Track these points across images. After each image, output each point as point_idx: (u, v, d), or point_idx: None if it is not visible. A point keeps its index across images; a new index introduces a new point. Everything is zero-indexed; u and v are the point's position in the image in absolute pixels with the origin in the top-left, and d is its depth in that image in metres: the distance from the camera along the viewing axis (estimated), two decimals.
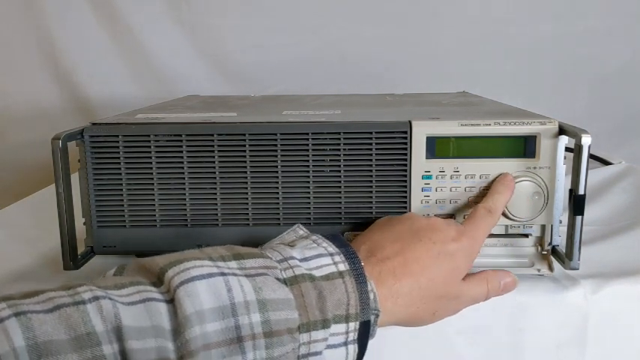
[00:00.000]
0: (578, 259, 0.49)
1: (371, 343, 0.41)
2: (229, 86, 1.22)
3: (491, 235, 0.53)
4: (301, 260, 0.40)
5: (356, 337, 0.39)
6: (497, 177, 0.51)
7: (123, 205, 0.52)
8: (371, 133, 0.51)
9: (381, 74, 1.22)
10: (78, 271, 0.51)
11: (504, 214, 0.51)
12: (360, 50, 1.22)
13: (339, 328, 0.39)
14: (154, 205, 0.52)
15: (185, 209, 0.52)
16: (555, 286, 0.51)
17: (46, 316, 0.32)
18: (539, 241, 0.53)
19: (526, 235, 0.53)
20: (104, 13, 1.20)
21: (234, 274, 0.37)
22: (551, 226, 0.52)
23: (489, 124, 0.51)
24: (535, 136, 0.51)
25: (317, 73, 1.23)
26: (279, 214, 0.52)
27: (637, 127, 1.25)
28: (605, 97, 1.23)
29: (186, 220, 0.53)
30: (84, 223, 0.53)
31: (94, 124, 0.52)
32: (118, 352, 0.32)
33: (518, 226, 0.53)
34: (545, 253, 0.53)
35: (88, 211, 0.52)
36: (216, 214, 0.52)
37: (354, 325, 0.39)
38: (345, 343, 0.39)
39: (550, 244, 0.53)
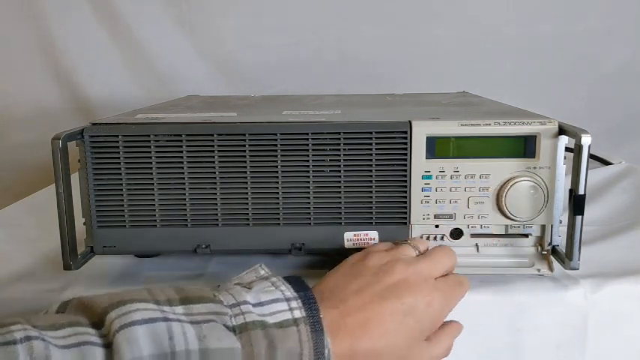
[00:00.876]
0: (578, 259, 0.49)
1: None
2: (229, 86, 1.22)
3: (492, 236, 0.53)
4: (255, 305, 0.39)
5: None
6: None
7: (123, 205, 0.52)
8: (371, 133, 0.51)
9: (381, 74, 1.22)
10: (78, 271, 0.51)
11: (504, 214, 0.51)
12: (360, 50, 1.22)
13: None
14: (153, 205, 0.52)
15: (185, 209, 0.52)
16: (555, 286, 0.51)
17: None
18: (539, 241, 0.53)
19: (526, 235, 0.53)
20: (104, 13, 1.20)
21: (179, 320, 0.36)
22: (551, 226, 0.52)
23: (489, 124, 0.51)
24: (535, 136, 0.51)
25: (317, 73, 1.23)
26: (279, 214, 0.52)
27: (637, 127, 1.25)
28: (605, 97, 1.23)
29: (186, 220, 0.53)
30: (84, 223, 0.53)
31: (94, 124, 0.52)
32: None
33: (518, 226, 0.53)
34: (545, 253, 0.53)
35: (88, 211, 0.52)
36: (216, 214, 0.52)
37: None
38: None
39: (550, 244, 0.53)
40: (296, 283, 0.41)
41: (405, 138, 0.51)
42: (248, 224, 0.53)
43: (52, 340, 0.33)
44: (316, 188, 0.52)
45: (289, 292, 0.40)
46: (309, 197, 0.52)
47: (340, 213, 0.52)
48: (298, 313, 0.39)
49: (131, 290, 0.38)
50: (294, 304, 0.39)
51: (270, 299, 0.39)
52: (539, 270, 0.52)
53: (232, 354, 0.35)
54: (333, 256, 0.50)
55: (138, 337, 0.34)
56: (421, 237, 0.53)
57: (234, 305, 0.38)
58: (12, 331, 0.32)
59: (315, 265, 0.56)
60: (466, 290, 0.47)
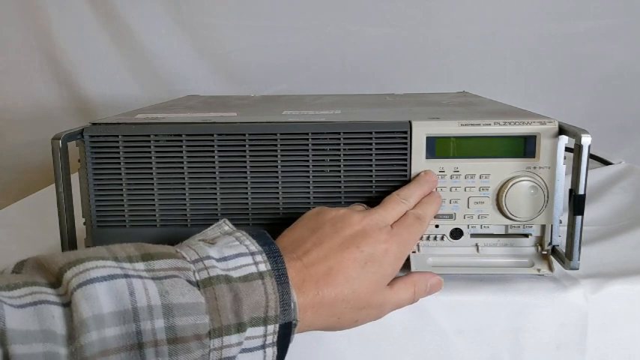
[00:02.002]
0: (578, 259, 0.49)
1: (369, 341, 0.41)
2: (229, 86, 1.23)
3: (492, 236, 0.53)
4: (219, 260, 0.38)
5: (275, 340, 0.38)
6: (423, 178, 0.51)
7: (123, 205, 0.52)
8: (371, 133, 0.51)
9: (381, 74, 1.22)
10: None
11: (504, 214, 0.51)
12: (360, 50, 1.22)
13: (256, 331, 0.37)
14: (153, 205, 0.52)
15: (185, 209, 0.52)
16: (555, 286, 0.51)
17: None
18: (539, 241, 0.53)
19: (526, 235, 0.53)
20: (104, 13, 1.20)
21: (140, 277, 0.35)
22: (551, 226, 0.52)
23: (489, 124, 0.51)
24: (535, 136, 0.51)
25: (317, 73, 1.23)
26: (279, 214, 0.52)
27: (637, 127, 1.25)
28: (606, 97, 1.23)
29: (186, 220, 0.53)
30: (84, 223, 0.53)
31: (94, 124, 0.52)
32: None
33: (518, 226, 0.53)
34: (545, 253, 0.53)
35: (88, 211, 0.52)
36: (216, 214, 0.52)
37: (272, 328, 0.38)
38: (263, 346, 0.38)
39: (550, 244, 0.53)
40: (260, 237, 0.41)
41: (405, 138, 0.51)
42: (248, 224, 0.53)
43: (7, 300, 0.32)
44: (316, 188, 0.52)
45: (253, 246, 0.40)
46: (309, 197, 0.52)
47: None
48: (263, 267, 0.39)
49: (89, 249, 0.37)
50: (258, 257, 0.39)
51: (235, 254, 0.39)
52: (539, 270, 0.52)
53: (197, 308, 0.35)
54: None
55: (97, 294, 0.33)
56: (421, 238, 0.53)
57: (197, 260, 0.38)
58: None
59: None
60: (426, 225, 0.49)
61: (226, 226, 0.44)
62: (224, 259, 0.39)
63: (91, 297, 0.33)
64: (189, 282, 0.36)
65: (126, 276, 0.34)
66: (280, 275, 0.39)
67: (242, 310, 0.37)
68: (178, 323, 0.34)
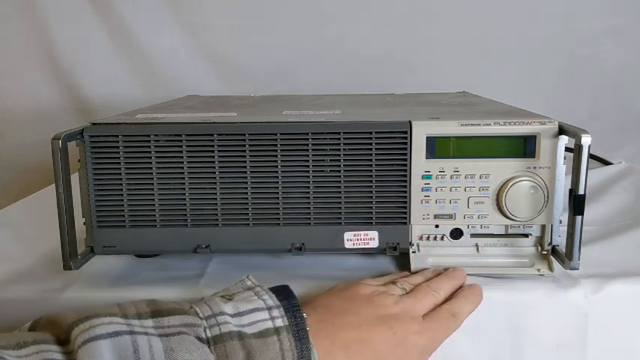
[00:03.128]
0: (578, 259, 0.49)
1: None
2: (229, 86, 1.22)
3: (492, 236, 0.53)
4: (233, 315, 0.37)
5: None
6: (466, 285, 0.50)
7: (123, 205, 0.52)
8: (371, 133, 0.51)
9: (381, 74, 1.22)
10: (78, 271, 0.51)
11: (504, 214, 0.51)
12: (361, 50, 1.22)
13: None
14: (153, 205, 0.52)
15: (185, 209, 0.52)
16: (555, 286, 0.51)
17: None
18: (539, 241, 0.53)
19: (526, 235, 0.53)
20: (104, 14, 1.20)
21: (146, 333, 0.35)
22: (551, 226, 0.52)
23: (489, 124, 0.51)
24: (535, 136, 0.51)
25: (317, 73, 1.23)
26: (279, 214, 0.52)
27: (637, 127, 1.25)
28: (605, 97, 1.23)
29: (186, 220, 0.53)
30: (84, 223, 0.53)
31: (94, 124, 0.52)
32: None
33: (518, 226, 0.53)
34: (545, 253, 0.53)
35: (88, 211, 0.52)
36: (216, 214, 0.52)
37: None
38: None
39: (550, 244, 0.53)
40: (281, 292, 0.40)
41: (405, 138, 0.51)
42: (248, 224, 0.53)
43: (13, 359, 0.32)
44: (316, 188, 0.52)
45: (271, 300, 0.39)
46: (309, 197, 0.52)
47: (340, 213, 0.52)
48: (280, 322, 0.38)
49: (102, 306, 0.37)
50: (275, 312, 0.38)
51: (250, 308, 0.38)
52: (539, 270, 0.52)
53: None
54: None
55: (101, 351, 0.33)
56: (420, 236, 0.53)
57: (210, 317, 0.37)
58: None
59: (316, 265, 0.56)
60: (459, 323, 0.47)
61: (249, 281, 0.43)
62: (239, 314, 0.38)
63: (94, 354, 0.32)
64: (199, 339, 0.36)
65: (131, 333, 0.34)
66: (299, 330, 0.37)
67: None
68: None
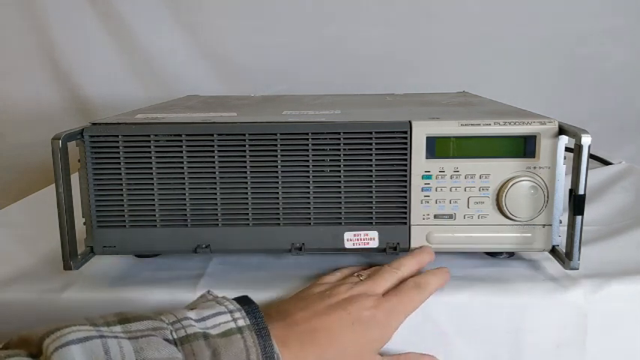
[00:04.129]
0: (578, 259, 0.49)
1: None
2: (229, 86, 1.22)
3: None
4: (197, 320, 0.39)
5: None
6: (418, 250, 0.52)
7: (123, 205, 0.52)
8: (371, 133, 0.51)
9: (381, 74, 1.22)
10: (78, 271, 0.51)
11: (504, 214, 0.51)
12: (361, 50, 1.22)
13: None
14: (153, 205, 0.52)
15: (185, 209, 0.52)
16: (555, 286, 0.51)
17: None
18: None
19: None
20: (104, 14, 1.20)
21: (115, 337, 0.36)
22: (551, 226, 0.52)
23: (489, 124, 0.51)
24: (535, 136, 0.51)
25: (317, 73, 1.23)
26: (279, 214, 0.52)
27: (637, 127, 1.25)
28: (605, 97, 1.23)
29: (186, 220, 0.53)
30: (84, 223, 0.53)
31: (94, 124, 0.52)
32: None
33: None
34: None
35: (88, 211, 0.52)
36: (216, 214, 0.52)
37: None
38: None
39: (550, 244, 0.53)
40: (241, 299, 0.42)
41: (405, 138, 0.51)
42: (248, 224, 0.53)
43: None
44: (316, 188, 0.52)
45: (232, 305, 0.41)
46: (309, 197, 0.52)
47: (340, 213, 0.52)
48: (242, 322, 0.39)
49: (67, 321, 0.37)
50: (237, 314, 0.40)
51: (213, 313, 0.40)
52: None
53: None
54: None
55: (73, 355, 0.33)
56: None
57: (176, 322, 0.38)
58: None
59: (315, 266, 0.56)
60: (426, 294, 0.48)
61: (210, 295, 0.45)
62: (202, 319, 0.39)
63: (66, 359, 0.33)
64: (167, 340, 0.37)
65: (101, 337, 0.35)
66: (260, 329, 0.39)
67: None
68: None
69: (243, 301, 0.41)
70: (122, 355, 0.34)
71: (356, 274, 0.50)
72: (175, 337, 0.37)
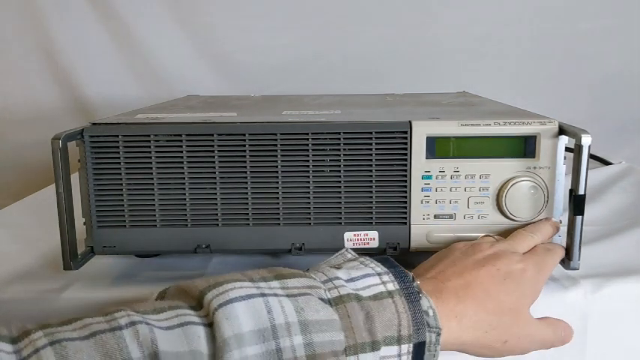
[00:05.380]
0: (578, 259, 0.49)
1: None
2: (229, 86, 1.22)
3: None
4: (347, 280, 0.39)
5: None
6: (549, 220, 0.51)
7: (123, 205, 0.52)
8: (371, 133, 0.51)
9: (381, 74, 1.22)
10: (78, 271, 0.51)
11: (504, 214, 0.51)
12: (360, 50, 1.22)
13: (391, 350, 0.37)
14: (153, 205, 0.52)
15: (185, 209, 0.52)
16: (555, 286, 0.51)
17: (82, 344, 0.31)
18: None
19: None
20: (104, 13, 1.20)
21: (275, 295, 0.36)
22: None
23: (489, 124, 0.51)
24: (535, 136, 0.51)
25: (317, 73, 1.23)
26: (279, 214, 0.52)
27: (637, 127, 1.25)
28: (606, 97, 1.23)
29: (186, 220, 0.53)
30: (84, 223, 0.53)
31: (94, 124, 0.52)
32: None
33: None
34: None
35: (88, 211, 0.52)
36: (216, 214, 0.52)
37: (407, 348, 0.37)
38: None
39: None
40: (386, 260, 0.42)
41: (405, 138, 0.51)
42: (248, 224, 0.53)
43: (156, 322, 0.33)
44: (316, 188, 0.52)
45: (379, 267, 0.41)
46: (309, 197, 0.52)
47: (340, 213, 0.52)
48: (391, 286, 0.39)
49: (226, 275, 0.38)
50: (385, 277, 0.40)
51: (362, 274, 0.40)
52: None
53: (332, 325, 0.36)
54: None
55: (237, 313, 0.34)
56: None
57: (327, 281, 0.39)
58: (116, 318, 0.33)
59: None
60: (558, 256, 0.49)
61: (349, 254, 0.45)
62: (352, 279, 0.39)
63: (231, 316, 0.34)
64: (322, 300, 0.37)
65: (262, 295, 0.36)
66: (410, 294, 0.39)
67: (375, 329, 0.37)
68: (316, 340, 0.35)
69: (388, 263, 0.41)
70: (284, 315, 0.35)
71: (492, 237, 0.51)
72: (329, 296, 0.37)
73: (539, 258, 0.47)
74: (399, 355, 0.37)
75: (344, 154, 0.51)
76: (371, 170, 0.51)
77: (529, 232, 0.50)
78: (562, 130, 0.50)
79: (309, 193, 0.52)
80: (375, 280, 0.39)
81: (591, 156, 0.48)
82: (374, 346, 0.36)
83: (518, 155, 0.51)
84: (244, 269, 0.53)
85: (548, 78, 1.23)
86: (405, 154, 0.51)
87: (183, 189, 0.52)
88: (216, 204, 0.52)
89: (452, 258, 0.46)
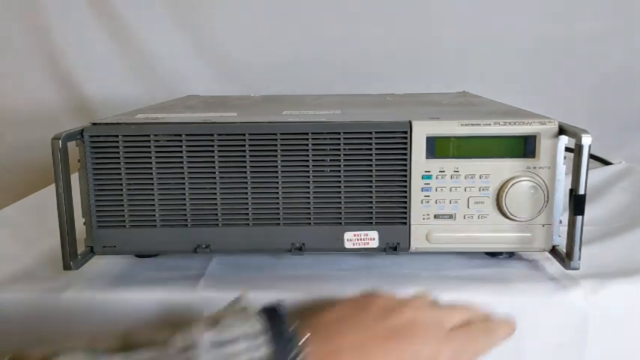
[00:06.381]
0: (579, 259, 0.49)
1: None
2: (229, 86, 1.22)
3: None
4: (213, 346, 0.34)
5: None
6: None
7: (123, 205, 0.52)
8: (371, 133, 0.51)
9: (381, 74, 1.22)
10: (78, 271, 0.51)
11: (504, 214, 0.51)
12: (360, 50, 1.22)
13: None
14: (153, 205, 0.52)
15: (185, 209, 0.52)
16: (555, 287, 0.51)
17: None
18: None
19: None
20: (104, 13, 1.20)
21: None
22: (551, 225, 0.52)
23: (489, 124, 0.51)
24: (535, 136, 0.51)
25: (317, 73, 1.23)
26: (279, 214, 0.52)
27: (637, 127, 1.25)
28: (606, 97, 1.23)
29: (186, 220, 0.53)
30: (84, 223, 0.53)
31: (94, 124, 0.52)
32: None
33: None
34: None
35: (88, 211, 0.52)
36: (216, 214, 0.52)
37: None
38: None
39: (550, 244, 0.53)
40: (273, 314, 0.37)
41: (405, 138, 0.51)
42: (248, 224, 0.53)
43: None
44: (316, 188, 0.52)
45: (259, 324, 0.36)
46: (309, 197, 0.52)
47: (340, 213, 0.52)
48: (264, 350, 0.34)
49: (75, 339, 0.35)
50: (260, 340, 0.35)
51: (233, 337, 0.35)
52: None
53: None
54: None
55: None
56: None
57: (184, 349, 0.34)
58: None
59: (316, 266, 0.56)
60: (498, 337, 0.43)
61: (243, 301, 0.40)
62: (220, 344, 0.34)
63: None
64: None
65: None
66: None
67: None
68: None
69: (275, 319, 0.36)
70: None
71: (429, 296, 0.45)
72: None
73: (466, 342, 0.41)
74: None
75: (344, 154, 0.51)
76: (371, 170, 0.51)
77: (466, 307, 0.44)
78: (562, 130, 0.50)
79: (309, 193, 0.52)
80: (244, 345, 0.34)
81: (591, 156, 0.48)
82: None
83: (518, 155, 0.51)
84: (244, 269, 0.53)
85: (548, 78, 1.23)
86: (405, 154, 0.51)
87: (183, 189, 0.52)
88: (216, 204, 0.52)
89: (361, 317, 0.40)
